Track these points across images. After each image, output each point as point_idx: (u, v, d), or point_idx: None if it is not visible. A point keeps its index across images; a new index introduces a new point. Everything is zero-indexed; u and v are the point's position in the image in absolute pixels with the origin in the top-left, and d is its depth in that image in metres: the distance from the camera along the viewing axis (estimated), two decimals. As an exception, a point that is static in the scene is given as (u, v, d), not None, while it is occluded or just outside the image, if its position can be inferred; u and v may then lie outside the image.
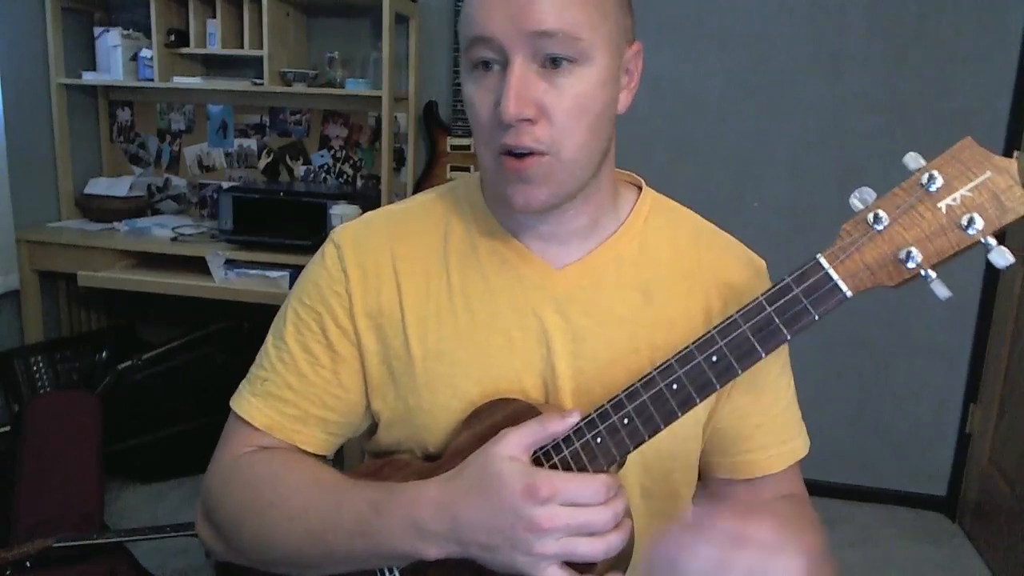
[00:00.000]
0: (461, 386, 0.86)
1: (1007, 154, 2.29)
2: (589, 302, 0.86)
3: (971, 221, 0.63)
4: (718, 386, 0.72)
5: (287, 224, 2.71)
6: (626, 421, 0.74)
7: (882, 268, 0.67)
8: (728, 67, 2.81)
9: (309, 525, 0.81)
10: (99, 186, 3.07)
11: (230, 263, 2.65)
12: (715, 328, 0.72)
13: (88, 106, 3.23)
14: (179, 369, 2.85)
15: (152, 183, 3.28)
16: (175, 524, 2.15)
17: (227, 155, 3.24)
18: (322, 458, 0.93)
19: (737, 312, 0.72)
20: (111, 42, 2.96)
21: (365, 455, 1.00)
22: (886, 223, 0.66)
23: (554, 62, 0.74)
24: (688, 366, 0.73)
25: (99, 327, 3.26)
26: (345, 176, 3.16)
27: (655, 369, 0.74)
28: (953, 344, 2.82)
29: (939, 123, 2.64)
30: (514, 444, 0.73)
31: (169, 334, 2.96)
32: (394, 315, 0.88)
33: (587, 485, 0.71)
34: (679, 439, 0.89)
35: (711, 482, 0.97)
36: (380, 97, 2.79)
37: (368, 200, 2.80)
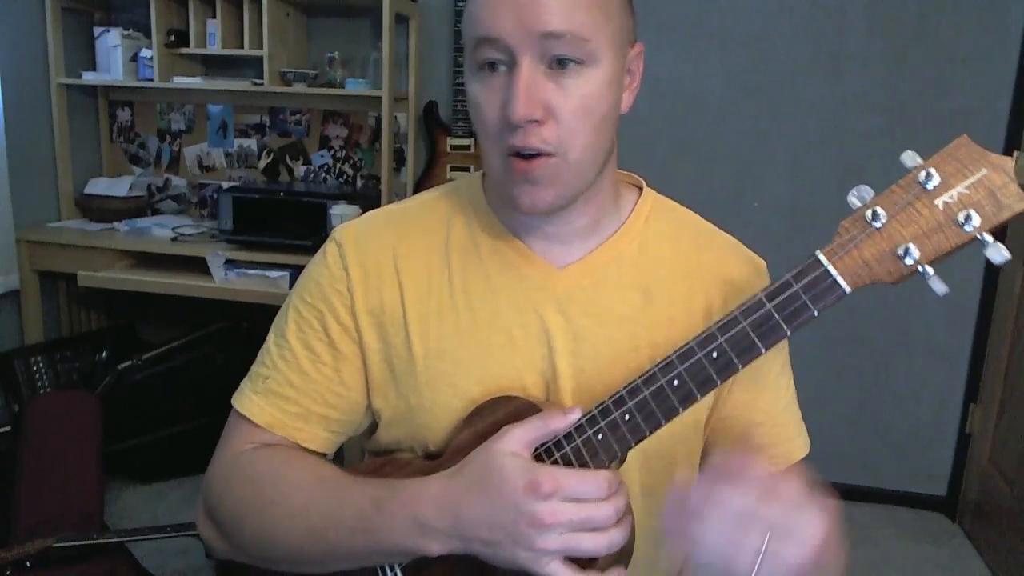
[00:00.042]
0: (462, 385, 0.86)
1: (1007, 154, 2.29)
2: (590, 302, 0.87)
3: (968, 218, 0.64)
4: (719, 382, 0.72)
5: (287, 224, 2.71)
6: (627, 417, 0.75)
7: (880, 264, 0.68)
8: (728, 67, 2.81)
9: (310, 522, 0.81)
10: (99, 186, 3.07)
11: (230, 263, 2.65)
12: (715, 324, 0.72)
13: (88, 106, 3.23)
14: (179, 369, 2.85)
15: (152, 183, 3.28)
16: (175, 524, 2.15)
17: (227, 155, 3.24)
18: (323, 456, 0.93)
19: (737, 308, 0.72)
20: (111, 42, 2.96)
21: (365, 454, 1.00)
22: (884, 220, 0.67)
23: (561, 63, 0.74)
24: (689, 362, 0.73)
25: (99, 327, 3.26)
26: (345, 176, 3.16)
27: (656, 365, 0.74)
28: (953, 344, 2.82)
29: (939, 123, 2.64)
30: (516, 440, 0.74)
31: (169, 334, 2.96)
32: (396, 313, 0.88)
33: (589, 481, 0.71)
34: (680, 438, 0.89)
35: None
36: (380, 97, 2.79)
37: (368, 200, 2.80)
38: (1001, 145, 2.62)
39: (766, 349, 0.71)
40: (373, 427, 0.95)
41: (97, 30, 3.02)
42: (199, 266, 2.66)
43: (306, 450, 0.91)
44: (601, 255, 0.88)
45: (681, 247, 0.91)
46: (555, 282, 0.87)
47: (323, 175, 3.17)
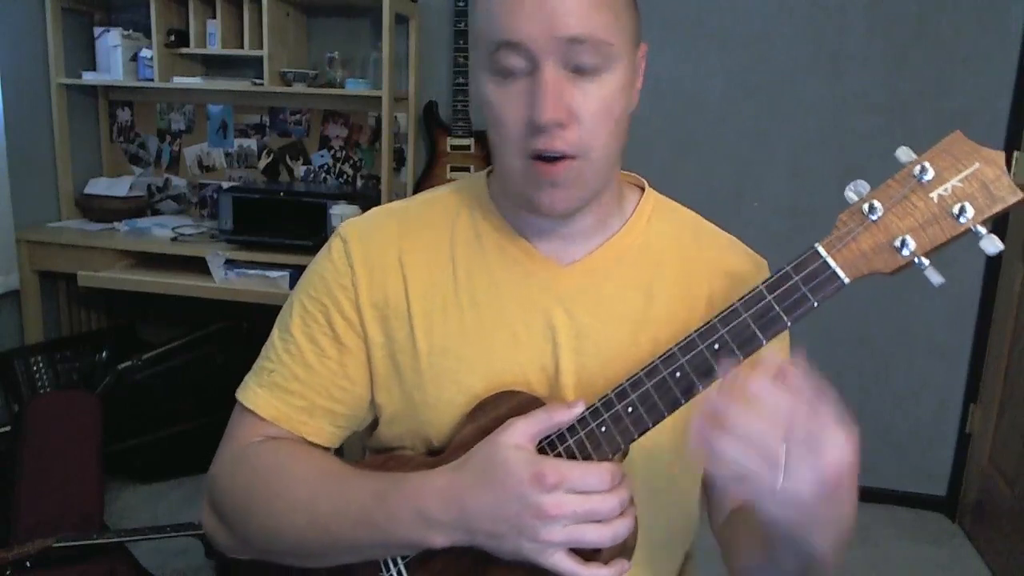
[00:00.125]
0: (465, 381, 0.86)
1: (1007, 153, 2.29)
2: (593, 299, 0.88)
3: (962, 210, 0.66)
4: (720, 374, 0.72)
5: (287, 224, 2.71)
6: (630, 410, 0.75)
7: (878, 256, 0.69)
8: (728, 67, 2.81)
9: (315, 515, 0.82)
10: (99, 186, 3.08)
11: (230, 263, 2.66)
12: (716, 316, 0.73)
13: (88, 106, 3.24)
14: (179, 369, 2.85)
15: (152, 183, 3.28)
16: (175, 524, 2.16)
17: (227, 155, 3.24)
18: (327, 450, 0.94)
19: (738, 300, 0.72)
20: (111, 42, 2.97)
21: (366, 451, 1.00)
22: (880, 213, 0.69)
23: (583, 66, 0.75)
24: (691, 354, 0.73)
25: (99, 327, 3.26)
26: (345, 176, 3.16)
27: (658, 358, 0.75)
28: (953, 344, 2.83)
29: (939, 123, 2.65)
30: (520, 433, 0.74)
31: (169, 334, 2.96)
32: (400, 308, 0.89)
33: (593, 472, 0.72)
34: (683, 434, 0.89)
35: (710, 479, 0.97)
36: (380, 97, 2.80)
37: (368, 200, 2.80)
38: (1001, 145, 2.61)
39: (767, 340, 0.71)
40: (374, 424, 0.95)
41: (97, 30, 3.03)
42: (199, 266, 2.66)
43: (311, 444, 0.91)
44: (604, 253, 0.89)
45: (683, 246, 0.92)
46: (559, 280, 0.88)
47: (323, 175, 3.18)
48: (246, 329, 2.97)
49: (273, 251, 2.69)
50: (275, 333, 0.94)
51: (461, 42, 2.86)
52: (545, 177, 0.78)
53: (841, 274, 0.69)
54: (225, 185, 3.02)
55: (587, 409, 0.77)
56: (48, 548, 1.92)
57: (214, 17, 2.85)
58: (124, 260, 2.79)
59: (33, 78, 2.93)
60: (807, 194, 2.80)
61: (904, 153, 0.68)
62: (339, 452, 0.97)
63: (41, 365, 2.84)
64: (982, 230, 0.66)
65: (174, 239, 2.81)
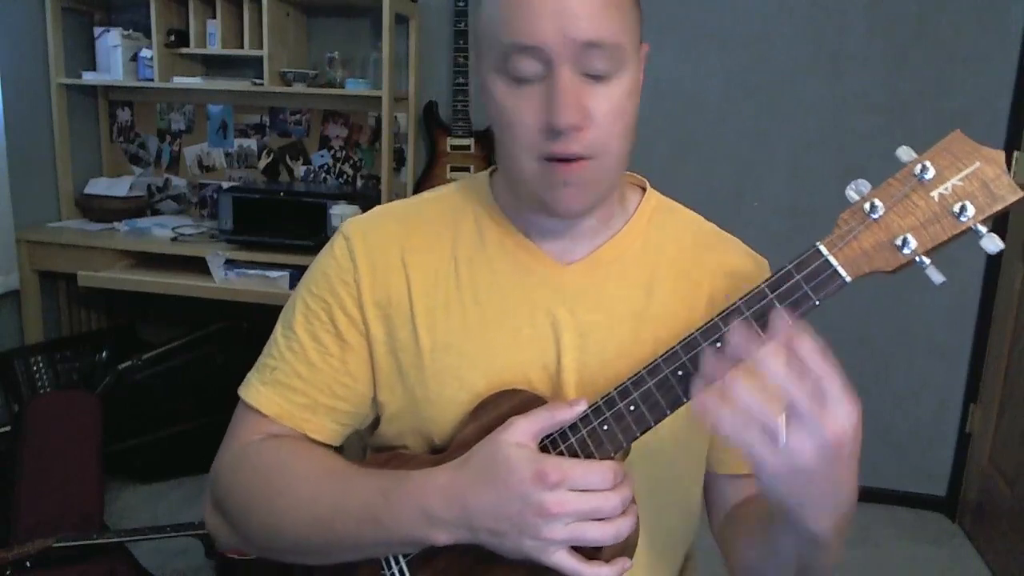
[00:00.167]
0: (467, 377, 0.86)
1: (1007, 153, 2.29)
2: (595, 298, 0.88)
3: (963, 209, 0.66)
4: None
5: (287, 224, 2.72)
6: (632, 408, 0.75)
7: (879, 254, 0.69)
8: (728, 67, 2.82)
9: (318, 513, 0.82)
10: (99, 186, 3.08)
11: (230, 263, 2.66)
12: (719, 315, 0.73)
13: (88, 106, 3.24)
14: (179, 369, 2.85)
15: (152, 183, 3.28)
16: (175, 524, 2.16)
17: (227, 155, 3.24)
18: (330, 448, 0.94)
19: (740, 299, 0.72)
20: (111, 42, 2.97)
21: (367, 450, 1.00)
22: (882, 212, 0.69)
23: (598, 70, 0.76)
24: (693, 353, 0.73)
25: (99, 327, 3.26)
26: (345, 176, 3.16)
27: (660, 357, 0.75)
28: (953, 344, 2.83)
29: (939, 123, 2.65)
30: (522, 431, 0.74)
31: (169, 334, 2.97)
32: (402, 306, 0.89)
33: (595, 470, 0.72)
34: (685, 432, 0.89)
35: (711, 479, 0.97)
36: (380, 97, 2.80)
37: (368, 200, 2.80)
38: (1001, 145, 2.61)
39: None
40: (375, 423, 0.95)
41: (97, 30, 3.03)
42: (199, 266, 2.66)
43: (313, 441, 0.91)
44: (606, 253, 0.90)
45: (684, 245, 0.93)
46: (561, 279, 0.88)
47: (323, 175, 3.18)
48: (246, 329, 2.97)
49: (273, 251, 2.69)
50: (278, 330, 0.94)
51: (461, 42, 2.86)
52: (560, 177, 0.78)
53: (843, 272, 0.69)
54: (225, 185, 3.02)
55: (589, 407, 0.77)
56: (48, 548, 1.92)
57: (214, 17, 2.85)
58: (124, 260, 2.79)
59: (33, 78, 2.93)
60: (807, 194, 2.80)
61: (905, 152, 0.68)
62: (339, 451, 0.97)
63: (41, 365, 2.84)
64: (983, 229, 0.66)
65: (174, 239, 2.81)
